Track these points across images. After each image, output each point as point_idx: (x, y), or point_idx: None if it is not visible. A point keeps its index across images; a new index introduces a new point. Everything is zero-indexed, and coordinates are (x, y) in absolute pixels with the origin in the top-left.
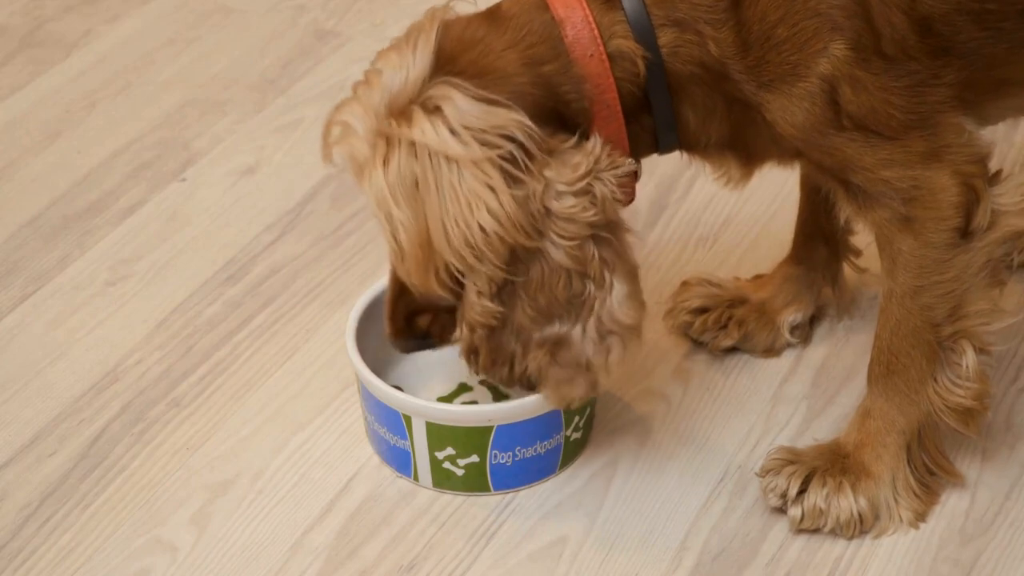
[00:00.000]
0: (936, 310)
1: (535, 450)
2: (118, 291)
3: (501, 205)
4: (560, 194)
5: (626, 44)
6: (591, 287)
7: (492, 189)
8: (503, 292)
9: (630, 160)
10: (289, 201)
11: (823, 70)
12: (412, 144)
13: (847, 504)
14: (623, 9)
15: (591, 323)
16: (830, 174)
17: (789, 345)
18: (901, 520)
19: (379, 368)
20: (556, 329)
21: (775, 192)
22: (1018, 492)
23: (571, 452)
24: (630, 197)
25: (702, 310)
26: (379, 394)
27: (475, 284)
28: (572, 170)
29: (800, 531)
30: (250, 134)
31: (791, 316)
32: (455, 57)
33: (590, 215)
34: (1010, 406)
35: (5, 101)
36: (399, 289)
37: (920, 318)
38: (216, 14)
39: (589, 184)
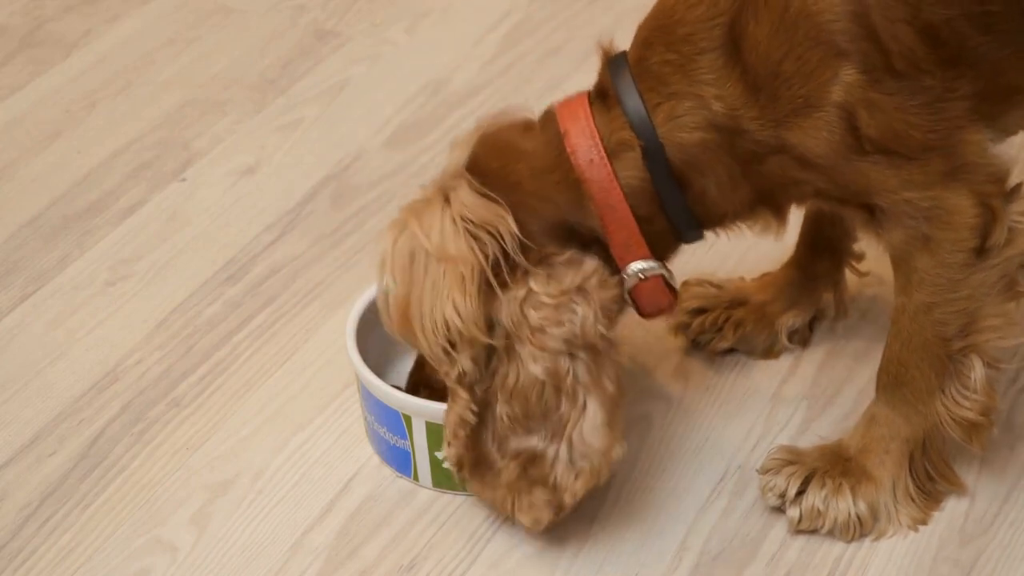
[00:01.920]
0: (948, 326)
1: None
2: (118, 291)
3: (465, 302)
4: (540, 304)
5: (624, 136)
6: (565, 405)
7: (463, 284)
8: (478, 387)
9: (646, 265)
10: (289, 201)
11: (836, 98)
12: (420, 224)
13: (846, 506)
14: (622, 105)
15: (564, 444)
16: (852, 201)
17: (787, 350)
18: (900, 525)
19: (379, 368)
20: (533, 443)
21: None
22: (1018, 493)
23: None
24: (661, 304)
25: (700, 311)
26: (379, 394)
27: (449, 372)
28: (556, 283)
29: (798, 532)
30: (250, 134)
31: (790, 321)
32: (481, 161)
33: (563, 331)
34: (1010, 406)
35: (5, 101)
36: None
37: (932, 332)
38: (216, 14)
39: (571, 300)
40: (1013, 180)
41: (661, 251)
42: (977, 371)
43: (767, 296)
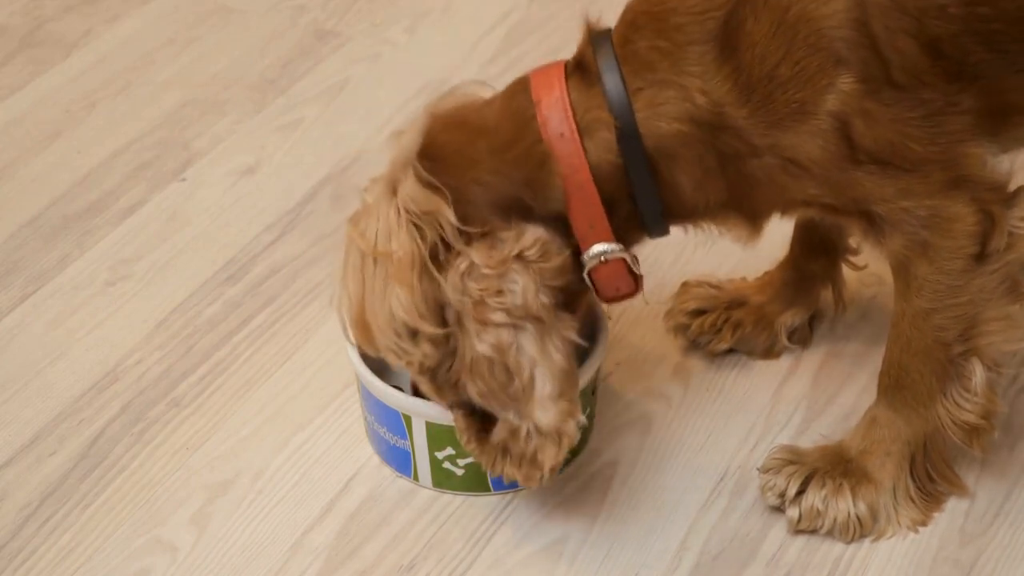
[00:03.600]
0: (949, 330)
1: None
2: (118, 291)
3: (409, 293)
4: (480, 276)
5: (600, 115)
6: (516, 380)
7: (405, 275)
8: (441, 371)
9: (608, 247)
10: (289, 201)
11: (831, 107)
12: (371, 220)
13: (845, 507)
14: (602, 83)
15: (526, 419)
16: (847, 209)
17: (788, 350)
18: (900, 526)
19: (379, 368)
20: (509, 417)
21: None
22: (1018, 492)
23: (571, 452)
24: (621, 289)
25: (699, 312)
26: (379, 394)
27: (411, 363)
28: (496, 253)
29: (798, 532)
30: (250, 134)
31: (789, 320)
32: (437, 142)
33: (503, 301)
34: (1010, 406)
35: (5, 101)
36: None
37: (932, 337)
38: (216, 14)
39: (510, 269)
40: (1017, 188)
41: (625, 237)
42: (978, 374)
43: (765, 296)
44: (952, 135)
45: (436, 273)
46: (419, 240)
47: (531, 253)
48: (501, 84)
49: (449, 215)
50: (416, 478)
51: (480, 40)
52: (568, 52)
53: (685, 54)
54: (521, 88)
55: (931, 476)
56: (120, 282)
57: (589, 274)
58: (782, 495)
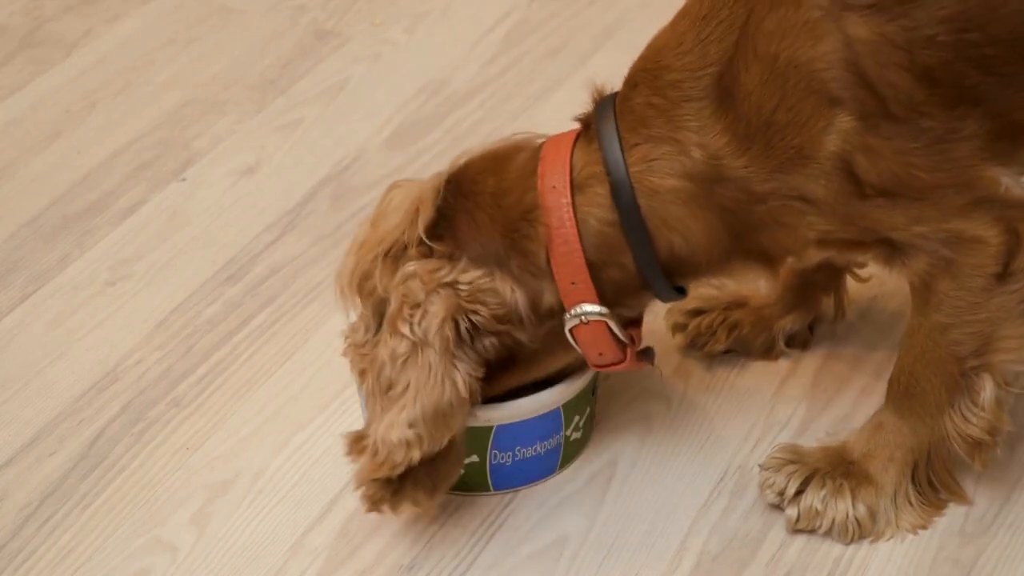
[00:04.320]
0: (963, 345)
1: (535, 450)
2: (118, 291)
3: (373, 260)
4: (412, 286)
5: (595, 171)
6: (393, 389)
7: (364, 248)
8: (362, 350)
9: (590, 309)
10: (289, 201)
11: (832, 147)
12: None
13: (844, 508)
14: (600, 141)
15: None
16: (863, 240)
17: (785, 354)
18: (899, 529)
19: None
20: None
21: None
22: (1018, 492)
23: (571, 452)
24: (605, 354)
25: (698, 312)
26: None
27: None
28: (436, 273)
29: (796, 531)
30: (250, 134)
31: (788, 325)
32: (470, 167)
33: (415, 317)
34: (1010, 406)
35: (5, 101)
36: None
37: (946, 351)
38: (216, 14)
39: (436, 292)
40: None
41: (622, 301)
42: (988, 390)
43: (766, 299)
44: (960, 160)
45: (396, 265)
46: (401, 227)
47: (463, 289)
48: (501, 84)
49: (421, 220)
50: None
51: (480, 40)
52: (568, 52)
53: (681, 111)
54: (538, 147)
55: (933, 484)
56: (120, 282)
57: (571, 333)
58: (781, 493)
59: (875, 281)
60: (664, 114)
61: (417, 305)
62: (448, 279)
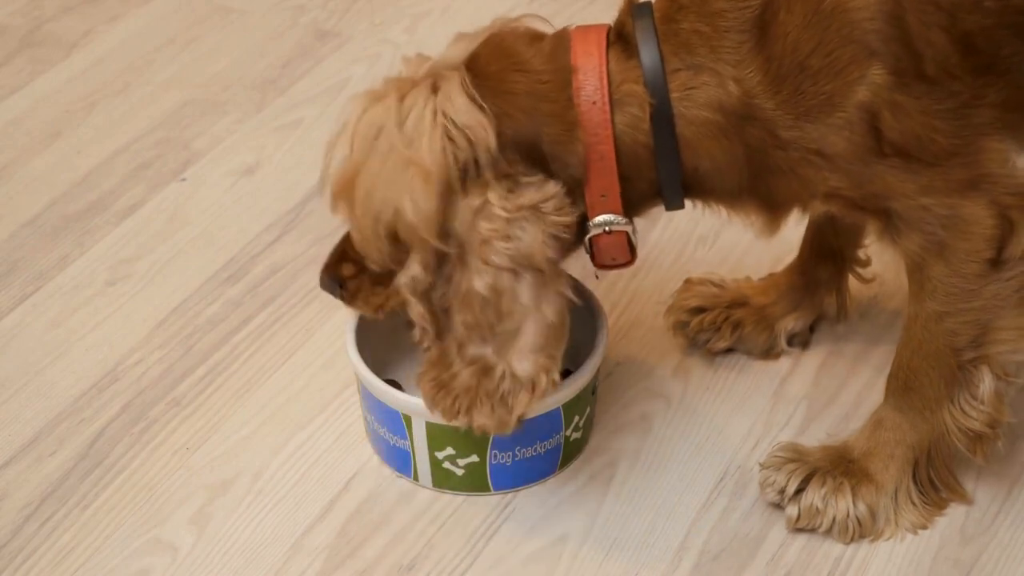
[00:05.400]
0: (960, 336)
1: (535, 450)
2: (118, 291)
3: (425, 201)
4: (492, 216)
5: (634, 89)
6: (504, 323)
7: (426, 182)
8: (434, 294)
9: (614, 219)
10: (289, 201)
11: (862, 98)
12: (400, 103)
13: (845, 506)
14: (639, 57)
15: (503, 362)
16: (867, 206)
17: (786, 353)
18: (899, 528)
19: (379, 368)
20: (487, 353)
21: None
22: (1018, 492)
23: (571, 452)
24: (617, 259)
25: (700, 310)
26: (379, 394)
27: (370, 261)
28: (514, 199)
29: (796, 530)
30: (250, 134)
31: (790, 324)
32: (481, 61)
33: (510, 247)
34: (1010, 406)
35: (5, 101)
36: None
37: (943, 342)
38: (216, 14)
39: (524, 218)
40: None
41: (635, 209)
42: (986, 383)
43: (768, 298)
44: (976, 128)
45: (459, 196)
46: (452, 154)
47: (547, 207)
48: None
49: (492, 140)
50: (416, 478)
51: None
52: None
53: (723, 41)
54: (563, 46)
55: (933, 482)
56: (120, 282)
57: (589, 240)
58: (781, 492)
59: (875, 280)
60: (708, 43)
61: (508, 237)
62: (531, 202)
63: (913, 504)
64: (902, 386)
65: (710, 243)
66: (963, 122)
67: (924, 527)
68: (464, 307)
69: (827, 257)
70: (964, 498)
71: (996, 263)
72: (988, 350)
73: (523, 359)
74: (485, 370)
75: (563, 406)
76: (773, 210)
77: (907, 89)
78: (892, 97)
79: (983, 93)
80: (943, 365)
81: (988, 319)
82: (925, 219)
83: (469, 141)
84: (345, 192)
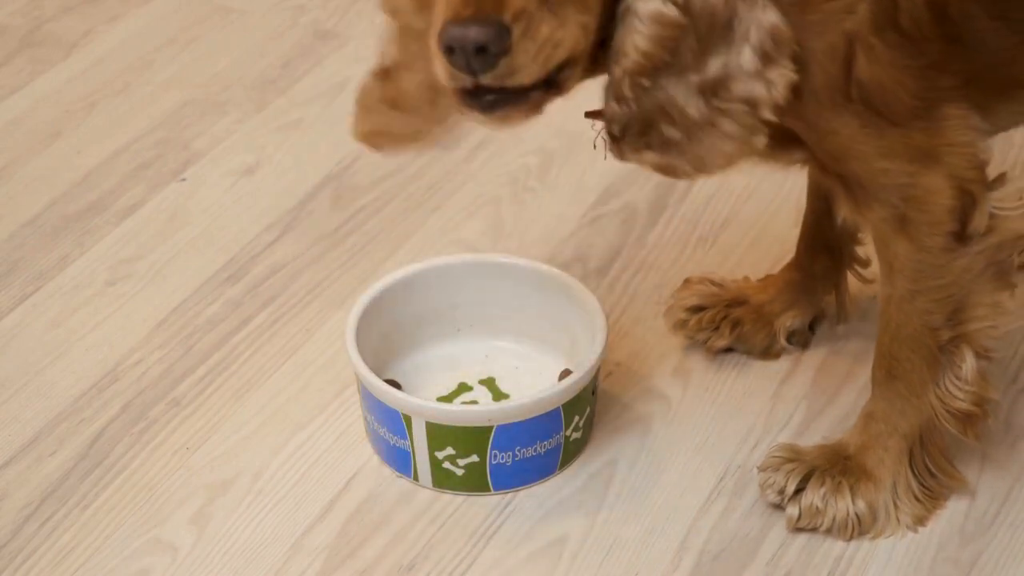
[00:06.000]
0: (934, 315)
1: (535, 450)
2: (118, 291)
3: None
4: None
5: None
6: (742, 9)
7: None
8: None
9: None
10: (289, 201)
11: (848, 26)
12: None
13: (845, 505)
14: None
15: (747, 49)
16: (828, 164)
17: (786, 351)
18: (900, 524)
19: (379, 368)
20: (717, 65)
21: (775, 192)
22: (1018, 492)
23: (571, 452)
24: None
25: (699, 308)
26: (379, 394)
27: None
28: None
29: (797, 529)
30: (250, 134)
31: (789, 322)
32: None
33: None
34: (1010, 406)
35: (5, 101)
36: None
37: (919, 322)
38: (216, 14)
39: None
40: (1001, 173)
41: None
42: (968, 362)
43: (767, 296)
44: (940, 92)
45: None
46: None
47: None
48: None
49: None
50: (416, 478)
51: None
52: None
53: None
54: None
55: (930, 471)
56: (120, 282)
57: None
58: (781, 492)
59: (876, 281)
60: None
61: None
62: None
63: (913, 496)
64: (886, 375)
65: (710, 244)
66: (928, 83)
67: (924, 521)
68: (696, 21)
69: (823, 251)
70: (962, 483)
71: (961, 237)
72: (966, 328)
73: (776, 25)
74: (718, 83)
75: (563, 406)
76: None
77: (882, 35)
78: (868, 38)
79: (949, 61)
80: (923, 347)
81: (962, 295)
82: (885, 187)
83: None
84: None
